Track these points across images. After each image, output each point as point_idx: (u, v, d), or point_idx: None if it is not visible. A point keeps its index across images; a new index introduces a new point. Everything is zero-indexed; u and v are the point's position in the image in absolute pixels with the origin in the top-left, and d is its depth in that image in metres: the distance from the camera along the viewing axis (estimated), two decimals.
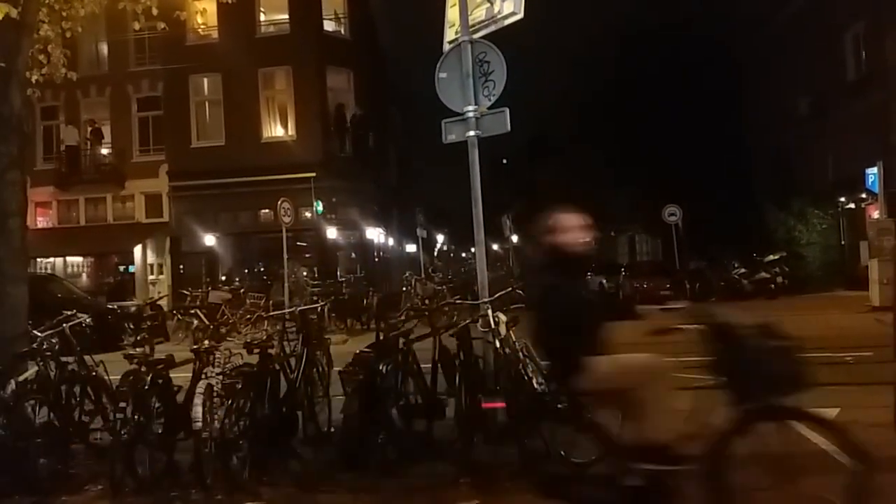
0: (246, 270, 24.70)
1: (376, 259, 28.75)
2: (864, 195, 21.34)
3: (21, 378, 5.74)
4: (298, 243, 22.88)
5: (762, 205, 27.65)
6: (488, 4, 6.73)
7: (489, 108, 6.56)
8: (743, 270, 24.25)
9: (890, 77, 21.54)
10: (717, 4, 30.68)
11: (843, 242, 24.71)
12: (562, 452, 5.40)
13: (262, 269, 24.17)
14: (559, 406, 5.22)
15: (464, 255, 77.53)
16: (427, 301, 13.35)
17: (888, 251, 16.88)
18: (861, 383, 8.22)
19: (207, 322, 8.28)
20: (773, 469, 5.18)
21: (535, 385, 6.29)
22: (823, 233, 24.71)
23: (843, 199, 24.21)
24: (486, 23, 6.72)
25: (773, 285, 22.90)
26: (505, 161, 64.94)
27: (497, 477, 5.33)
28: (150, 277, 26.29)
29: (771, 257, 24.01)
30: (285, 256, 17.92)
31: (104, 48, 26.39)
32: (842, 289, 22.19)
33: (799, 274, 23.65)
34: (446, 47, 7.00)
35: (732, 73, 31.27)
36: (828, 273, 23.81)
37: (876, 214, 18.68)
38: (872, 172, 18.14)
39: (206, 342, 5.81)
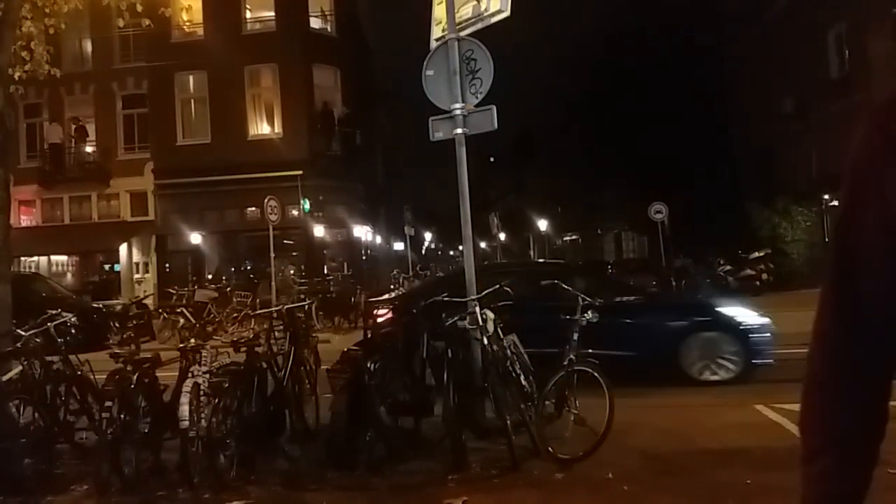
0: (232, 269, 24.59)
1: (364, 257, 28.71)
2: None
3: (5, 377, 5.69)
4: (285, 241, 22.80)
5: (747, 202, 27.84)
6: (475, 2, 6.73)
7: (476, 106, 6.56)
8: (728, 267, 24.40)
9: (871, 75, 21.83)
10: (703, 3, 30.87)
11: (826, 239, 24.91)
12: (550, 449, 5.44)
13: (248, 268, 24.07)
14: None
15: (452, 252, 77.67)
16: None
17: None
18: None
19: (194, 321, 8.28)
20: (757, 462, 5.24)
21: (523, 381, 6.33)
22: (807, 230, 24.90)
23: (826, 197, 24.40)
24: (473, 20, 6.72)
25: (758, 282, 23.06)
26: (492, 159, 65.13)
27: (485, 474, 5.35)
28: (136, 276, 26.10)
29: (756, 254, 24.18)
30: (272, 255, 17.85)
31: (88, 45, 26.14)
32: None
33: (783, 271, 23.83)
34: (433, 45, 6.99)
35: (718, 71, 31.46)
36: (812, 270, 23.97)
37: None
38: None
39: (193, 341, 5.80)
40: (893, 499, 4.47)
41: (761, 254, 24.11)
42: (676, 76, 30.70)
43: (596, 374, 5.60)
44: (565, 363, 5.89)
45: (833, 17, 23.92)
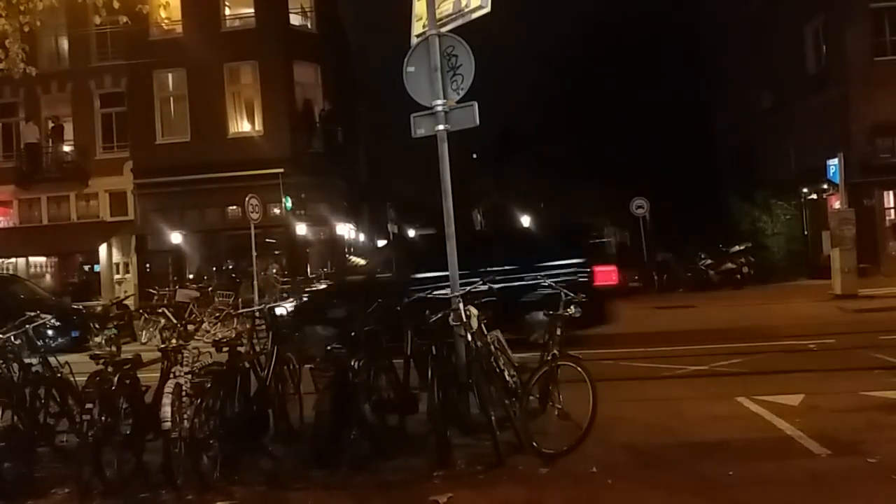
0: (214, 268, 24.39)
1: (347, 255, 28.61)
2: (825, 186, 21.80)
3: None
4: (267, 240, 22.65)
5: (727, 197, 28.11)
6: None
7: (458, 102, 6.55)
8: (709, 261, 24.63)
9: (848, 70, 22.11)
10: (683, 0, 31.11)
11: (805, 233, 25.22)
12: (534, 444, 5.46)
13: (230, 267, 23.90)
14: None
15: None
16: None
17: (849, 240, 17.29)
18: (824, 370, 8.43)
19: (175, 321, 8.19)
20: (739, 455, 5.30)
21: (507, 377, 6.35)
22: (787, 223, 25.19)
23: (805, 191, 24.70)
24: (454, 16, 6.71)
25: (738, 275, 23.30)
26: (475, 155, 65.14)
27: (470, 470, 5.36)
28: (116, 276, 25.81)
29: (736, 248, 24.42)
30: (254, 253, 17.75)
31: (64, 43, 25.76)
32: (805, 278, 22.68)
33: (764, 264, 24.10)
34: (414, 41, 6.98)
35: (697, 67, 31.71)
36: (792, 263, 24.30)
37: (837, 205, 19.08)
38: (833, 164, 18.53)
39: (174, 341, 5.74)
40: (873, 488, 4.55)
41: (742, 247, 24.35)
42: (656, 72, 30.94)
43: (579, 368, 5.62)
44: (548, 358, 5.91)
45: (810, 12, 24.16)
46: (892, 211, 22.70)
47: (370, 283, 11.54)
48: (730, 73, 29.74)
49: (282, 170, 22.90)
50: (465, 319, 5.93)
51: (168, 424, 5.01)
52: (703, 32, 31.54)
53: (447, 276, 6.39)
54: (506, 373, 6.36)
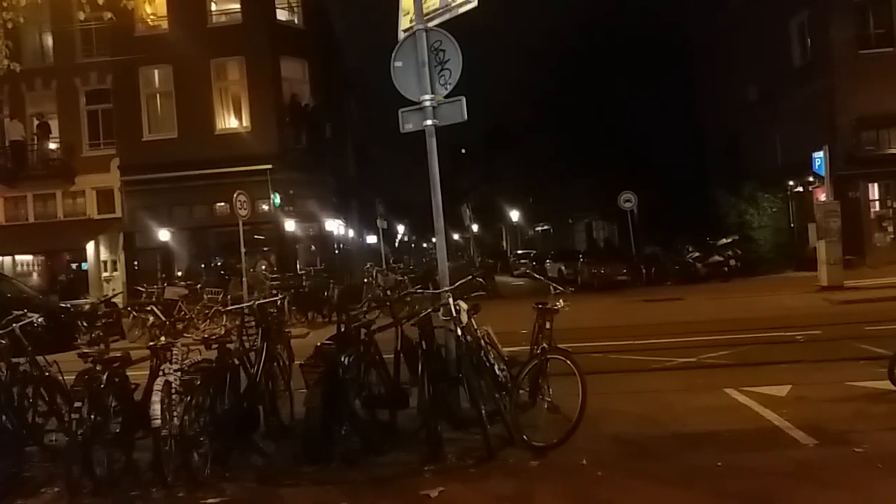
0: (203, 265, 24.27)
1: (336, 251, 28.56)
2: (811, 179, 21.94)
3: None
4: (256, 237, 22.55)
5: (715, 190, 28.23)
6: None
7: (446, 97, 6.55)
8: (697, 254, 24.77)
9: (833, 64, 22.23)
10: None
11: (792, 225, 25.37)
12: (524, 437, 5.48)
13: (219, 264, 23.79)
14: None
15: (425, 245, 77.63)
16: (389, 291, 13.34)
17: (834, 232, 17.43)
18: (811, 361, 8.51)
19: (164, 318, 8.19)
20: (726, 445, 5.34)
21: (497, 371, 6.37)
22: (773, 216, 25.32)
23: (791, 183, 24.84)
24: (441, 11, 6.70)
25: (726, 268, 23.45)
26: (464, 150, 65.13)
27: (461, 464, 5.37)
28: (104, 274, 25.65)
29: (724, 241, 24.56)
30: (242, 250, 17.67)
31: (49, 39, 25.51)
32: (792, 270, 22.85)
33: (751, 256, 24.24)
34: (401, 36, 6.96)
35: (684, 61, 31.78)
36: (778, 255, 24.44)
37: (823, 197, 19.23)
38: (819, 156, 18.64)
39: (163, 339, 5.72)
40: (860, 477, 4.59)
41: (729, 240, 24.50)
42: (644, 67, 30.99)
43: (568, 361, 5.64)
44: (538, 351, 5.93)
45: (795, 5, 24.28)
46: (877, 203, 22.88)
47: None
48: (717, 68, 29.84)
49: (270, 166, 22.81)
50: (454, 314, 5.93)
51: (158, 422, 5.00)
52: (691, 27, 31.63)
53: None
54: (496, 367, 6.38)
